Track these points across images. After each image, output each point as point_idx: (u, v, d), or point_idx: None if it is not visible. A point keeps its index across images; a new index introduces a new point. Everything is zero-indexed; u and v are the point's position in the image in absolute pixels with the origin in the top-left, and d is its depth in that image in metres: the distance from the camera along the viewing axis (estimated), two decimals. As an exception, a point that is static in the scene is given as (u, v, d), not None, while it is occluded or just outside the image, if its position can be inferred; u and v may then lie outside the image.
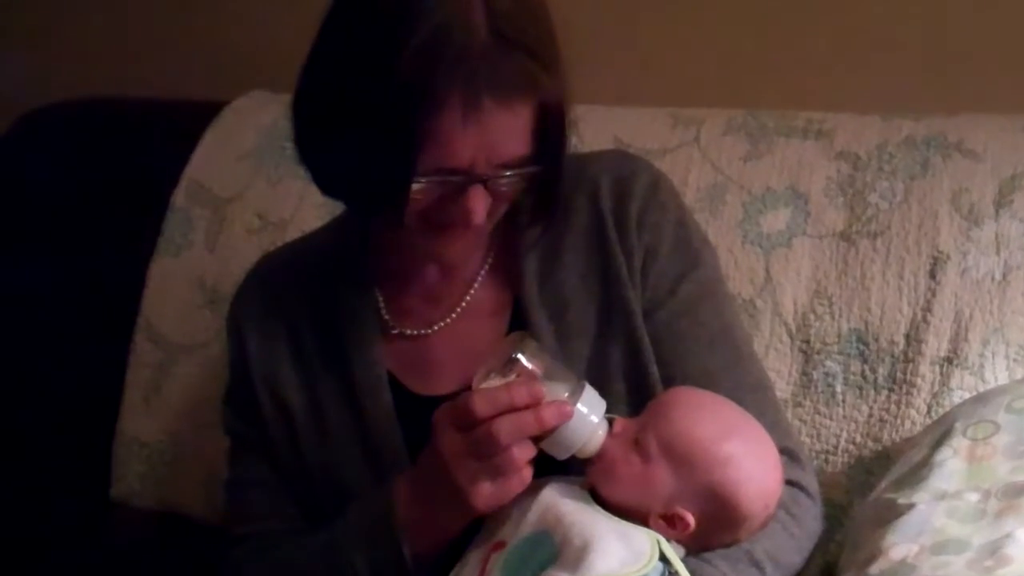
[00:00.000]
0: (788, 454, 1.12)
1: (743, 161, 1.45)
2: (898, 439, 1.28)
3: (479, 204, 1.06)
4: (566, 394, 1.02)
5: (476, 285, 1.20)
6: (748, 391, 1.13)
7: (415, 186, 1.03)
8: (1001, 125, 1.41)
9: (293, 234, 1.52)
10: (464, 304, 1.20)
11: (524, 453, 1.01)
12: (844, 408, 1.32)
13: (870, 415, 1.31)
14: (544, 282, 1.17)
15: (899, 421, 1.29)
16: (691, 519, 1.01)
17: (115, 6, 2.11)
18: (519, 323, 1.17)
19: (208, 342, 1.57)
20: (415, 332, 1.20)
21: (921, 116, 1.45)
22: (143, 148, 1.78)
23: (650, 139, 1.49)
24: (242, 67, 1.95)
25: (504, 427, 0.99)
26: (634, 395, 1.13)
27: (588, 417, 1.02)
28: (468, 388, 1.09)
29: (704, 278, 1.18)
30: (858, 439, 1.31)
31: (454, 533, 1.07)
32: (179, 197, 1.67)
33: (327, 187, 1.13)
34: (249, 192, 1.64)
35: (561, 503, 1.02)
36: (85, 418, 1.64)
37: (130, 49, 2.11)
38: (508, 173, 1.06)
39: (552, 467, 1.06)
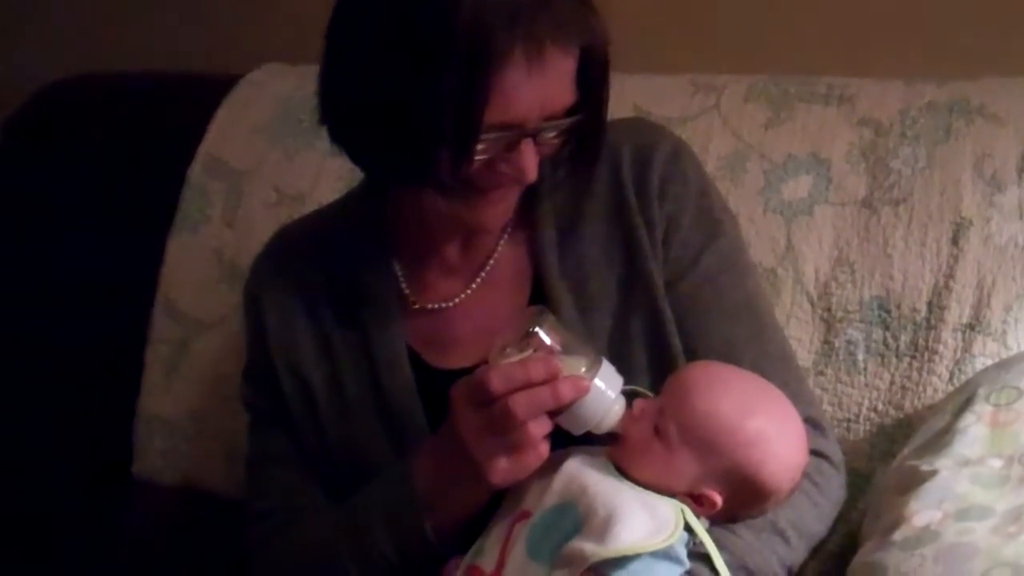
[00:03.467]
0: (811, 423, 1.11)
1: (764, 128, 1.44)
2: (920, 406, 1.28)
3: (532, 159, 1.05)
4: (583, 368, 1.01)
5: (495, 257, 1.19)
6: (770, 361, 1.12)
7: (478, 146, 1.02)
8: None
9: (311, 208, 1.51)
10: (483, 276, 1.19)
11: (540, 428, 1.00)
12: (866, 376, 1.31)
13: (892, 383, 1.30)
14: (564, 253, 1.16)
15: (921, 388, 1.28)
16: (718, 498, 1.01)
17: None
18: (539, 295, 1.16)
19: (227, 317, 1.56)
20: (434, 306, 1.20)
21: (944, 81, 1.43)
22: (159, 122, 1.76)
23: (670, 107, 1.48)
24: (256, 40, 1.96)
25: (520, 403, 0.98)
26: (656, 367, 1.13)
27: (605, 392, 1.01)
28: (487, 362, 1.09)
29: (726, 248, 1.17)
30: (880, 407, 1.30)
31: (474, 507, 1.06)
32: (195, 171, 1.66)
33: (368, 157, 1.12)
34: (266, 165, 1.62)
35: (585, 474, 1.01)
36: (106, 396, 1.64)
37: (144, 22, 2.10)
38: (556, 124, 1.05)
39: (569, 441, 1.05)
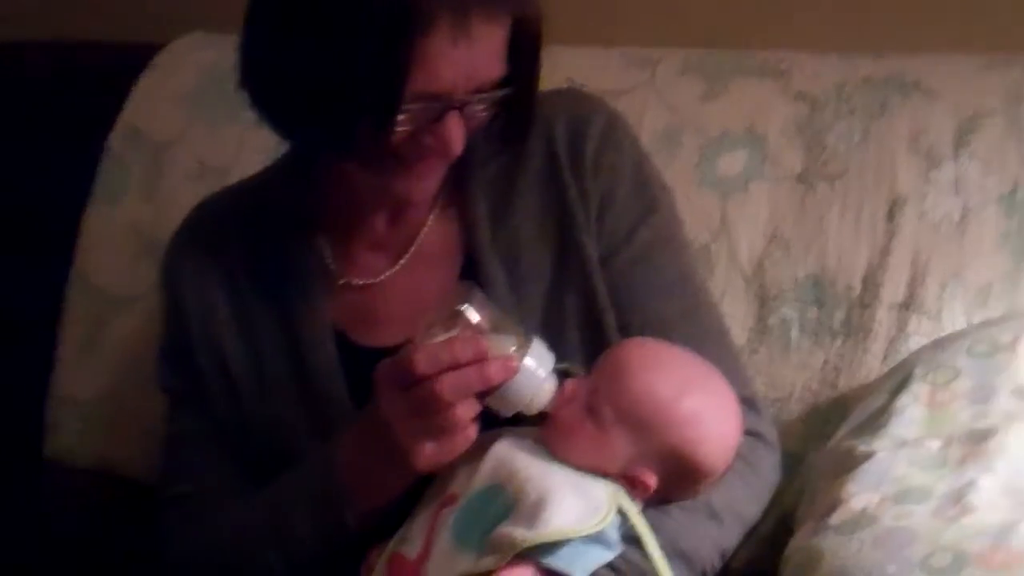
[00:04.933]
0: (746, 402, 1.08)
1: (700, 102, 1.41)
2: (855, 386, 1.26)
3: (458, 132, 1.01)
4: (513, 348, 0.98)
5: (425, 230, 1.15)
6: (705, 339, 1.10)
7: (399, 116, 0.98)
8: (960, 64, 1.38)
9: (234, 180, 1.44)
10: (412, 251, 1.15)
11: (468, 411, 0.97)
12: (800, 355, 1.29)
13: (826, 362, 1.28)
14: (496, 227, 1.13)
15: (855, 368, 1.27)
16: (653, 480, 0.98)
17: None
18: (471, 270, 1.12)
19: (145, 294, 1.50)
20: (361, 282, 1.16)
21: (880, 55, 1.41)
22: (79, 91, 1.71)
23: (604, 80, 1.45)
24: (179, 8, 1.87)
25: (447, 385, 0.95)
26: (589, 343, 1.09)
27: (535, 372, 0.98)
28: (414, 341, 1.05)
29: (661, 223, 1.14)
30: (814, 386, 1.28)
31: (398, 492, 1.03)
32: (115, 142, 1.60)
33: (288, 126, 1.07)
34: (188, 137, 1.57)
35: (515, 456, 0.98)
36: (18, 373, 1.58)
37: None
38: (484, 96, 1.01)
39: (498, 423, 1.02)
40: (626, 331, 1.10)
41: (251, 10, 1.06)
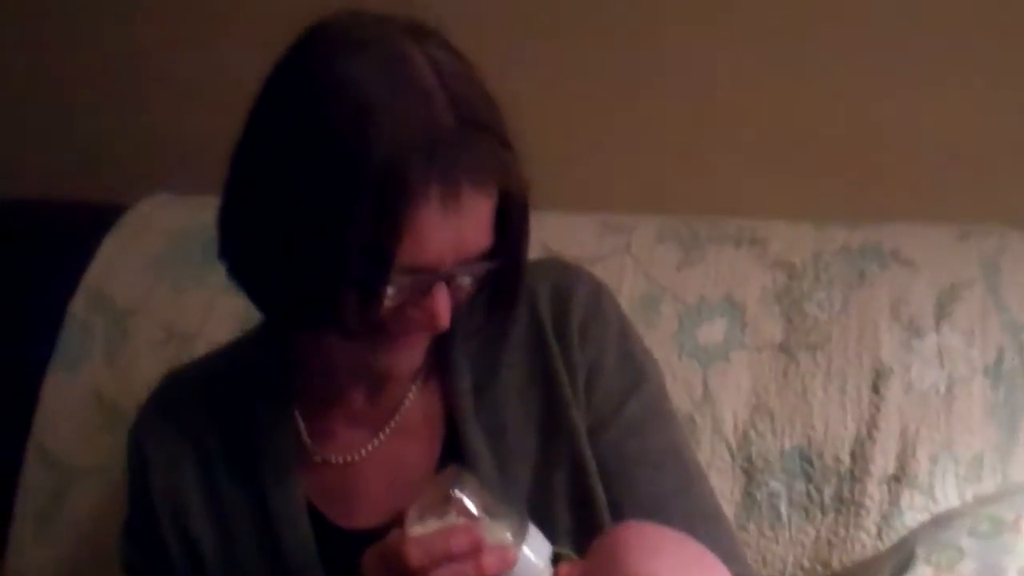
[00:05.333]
0: (743, 588, 1.04)
1: (676, 269, 1.41)
2: (848, 562, 1.24)
3: (445, 305, 0.99)
4: (509, 535, 0.94)
5: (405, 405, 1.11)
6: (700, 519, 1.06)
7: (389, 290, 0.95)
8: (936, 234, 1.39)
9: (201, 347, 1.43)
10: (392, 426, 1.11)
11: None
12: (790, 530, 1.27)
13: (817, 537, 1.26)
14: (481, 401, 1.09)
15: (848, 544, 1.24)
16: None
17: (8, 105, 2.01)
18: (453, 446, 1.09)
19: (107, 465, 1.44)
20: (338, 459, 1.11)
21: (855, 225, 1.42)
22: (40, 253, 1.67)
23: (579, 247, 1.44)
24: (143, 166, 1.89)
25: None
26: (580, 523, 1.05)
27: (533, 563, 0.93)
28: (397, 520, 0.99)
29: (650, 395, 1.11)
30: (806, 563, 1.26)
31: None
32: (77, 306, 1.57)
33: (270, 299, 1.04)
34: (153, 301, 1.54)
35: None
36: None
37: (22, 148, 2.00)
38: (471, 268, 0.99)
39: None
40: (617, 508, 1.06)
41: (231, 177, 1.03)
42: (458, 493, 0.93)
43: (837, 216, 1.45)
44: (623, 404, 1.09)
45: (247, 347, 1.19)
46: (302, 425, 1.12)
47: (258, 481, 1.10)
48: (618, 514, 1.06)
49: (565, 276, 1.14)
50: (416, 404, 1.12)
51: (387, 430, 1.11)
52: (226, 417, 1.14)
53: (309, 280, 0.96)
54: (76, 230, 1.66)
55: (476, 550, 0.90)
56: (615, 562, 0.93)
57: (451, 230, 0.96)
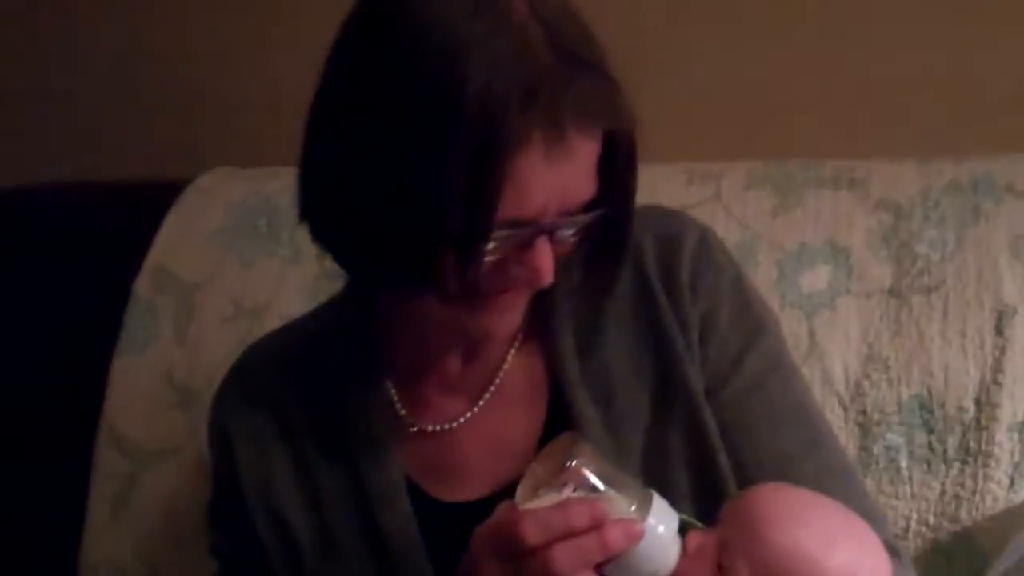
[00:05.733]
0: (887, 549, 0.96)
1: (772, 216, 1.33)
2: (979, 516, 1.16)
3: (548, 260, 0.91)
4: (632, 507, 0.86)
5: (504, 369, 1.04)
6: (833, 476, 0.98)
7: (488, 246, 0.88)
8: (1049, 164, 1.30)
9: (272, 321, 1.39)
10: (491, 392, 1.04)
11: None
12: (912, 486, 1.19)
13: (942, 492, 1.18)
14: (586, 362, 1.02)
15: (978, 497, 1.17)
16: None
17: (58, 89, 1.96)
18: (558, 412, 1.01)
19: (181, 446, 1.42)
20: (435, 428, 1.04)
21: (960, 159, 1.33)
22: (102, 235, 1.63)
23: (666, 197, 1.35)
24: (200, 144, 1.84)
25: (562, 557, 0.82)
26: (700, 490, 0.98)
27: (660, 535, 0.85)
28: (502, 492, 0.94)
29: (770, 348, 1.03)
30: (931, 520, 1.18)
31: None
32: (142, 286, 1.52)
33: (357, 261, 0.97)
34: (220, 277, 1.49)
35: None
36: (47, 543, 1.47)
37: (78, 131, 1.97)
38: (575, 219, 0.91)
39: None
40: (741, 472, 0.98)
41: (312, 127, 0.96)
42: (575, 463, 0.85)
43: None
44: (742, 358, 1.01)
45: (329, 315, 1.12)
46: (394, 394, 1.05)
47: (351, 455, 1.03)
48: (742, 477, 0.98)
49: (669, 224, 1.05)
50: (516, 368, 1.04)
51: (486, 396, 1.04)
52: (312, 389, 1.07)
53: (401, 239, 0.89)
54: (137, 209, 1.62)
55: (598, 524, 0.83)
56: (752, 531, 0.85)
57: (555, 178, 0.88)
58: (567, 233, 0.92)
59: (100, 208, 1.66)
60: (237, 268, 1.49)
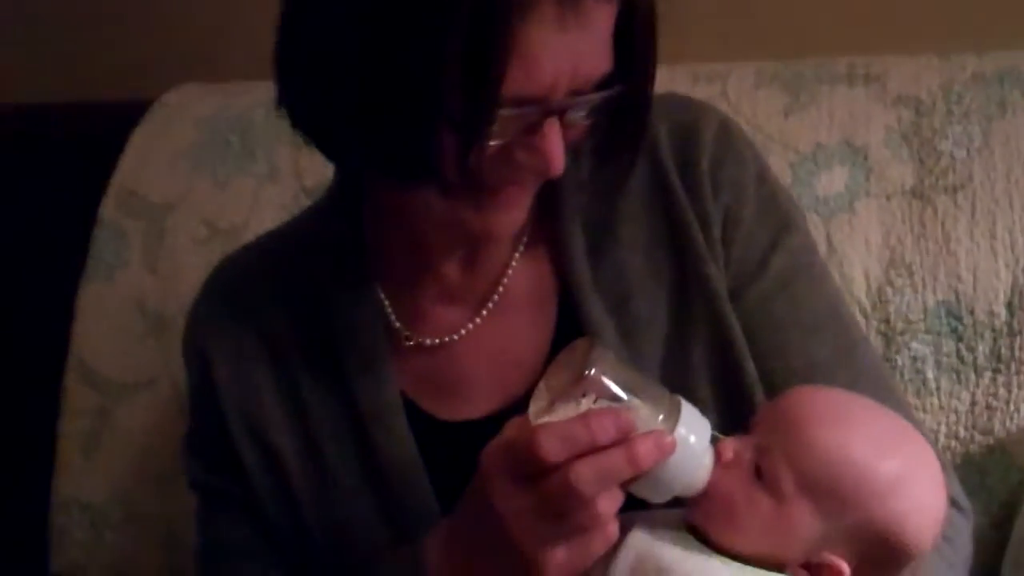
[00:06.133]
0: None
1: (783, 115, 1.26)
2: (1014, 428, 1.10)
3: (559, 144, 0.82)
4: (660, 417, 0.77)
5: (509, 274, 0.95)
6: (867, 384, 0.89)
7: (493, 126, 0.78)
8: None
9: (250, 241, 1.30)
10: (495, 300, 0.95)
11: (611, 504, 0.76)
12: (939, 397, 1.14)
13: (973, 402, 1.13)
14: (598, 264, 0.93)
15: (1012, 407, 1.12)
16: (845, 567, 0.77)
17: (16, 7, 1.87)
18: (569, 319, 0.93)
19: (155, 378, 1.37)
20: (434, 341, 0.96)
21: (983, 53, 1.26)
22: (63, 158, 1.58)
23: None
24: (164, 62, 1.74)
25: (586, 474, 0.74)
26: (724, 401, 0.90)
27: (691, 445, 0.77)
28: (508, 409, 0.86)
29: (798, 246, 0.95)
30: (961, 432, 1.13)
31: None
32: (108, 209, 1.46)
33: (344, 149, 0.88)
34: (191, 197, 1.43)
35: (661, 550, 0.77)
36: (15, 479, 1.43)
37: (38, 52, 1.86)
38: (588, 99, 0.82)
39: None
40: (769, 380, 0.91)
41: (285, 22, 0.86)
42: (594, 371, 0.76)
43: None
44: (768, 257, 0.93)
45: (312, 223, 1.03)
46: (387, 305, 0.97)
47: (342, 373, 0.95)
48: (769, 387, 0.90)
49: (686, 111, 0.96)
50: (521, 273, 0.96)
51: (489, 305, 0.95)
52: (296, 303, 0.98)
53: (395, 120, 0.79)
54: (101, 129, 1.57)
55: (624, 436, 0.74)
56: (795, 433, 0.77)
57: (567, 49, 0.79)
58: (578, 115, 0.83)
59: (62, 130, 1.61)
60: (210, 187, 1.43)
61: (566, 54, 0.79)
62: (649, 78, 0.86)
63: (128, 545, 1.35)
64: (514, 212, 0.88)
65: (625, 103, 0.85)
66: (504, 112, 0.78)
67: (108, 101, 1.62)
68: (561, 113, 0.81)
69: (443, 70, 0.76)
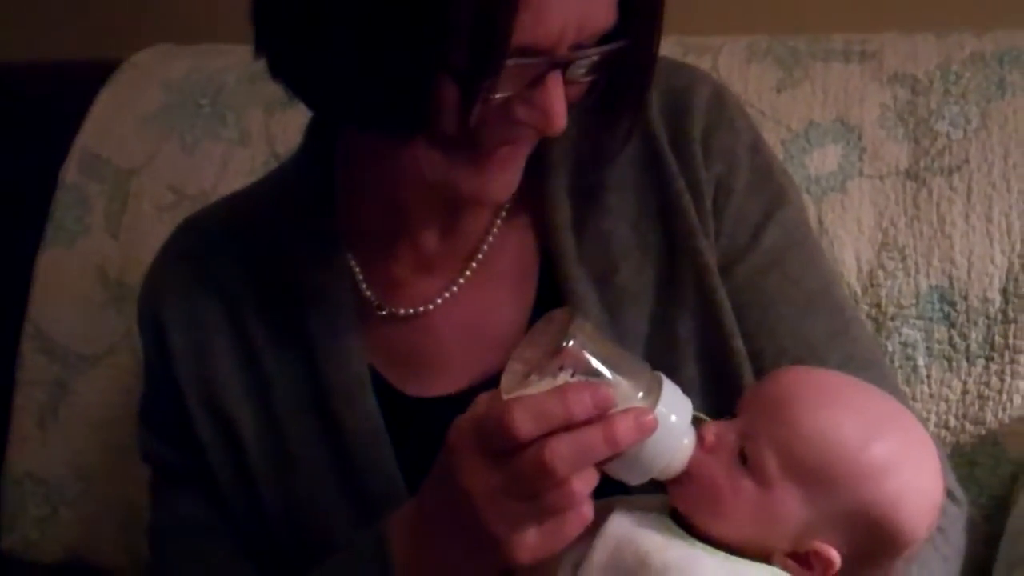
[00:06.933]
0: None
1: (776, 91, 1.21)
2: (1007, 418, 1.06)
3: (561, 100, 0.77)
4: (640, 394, 0.73)
5: (488, 243, 0.91)
6: (861, 366, 0.86)
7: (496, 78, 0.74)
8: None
9: None
10: (473, 269, 0.91)
11: (586, 484, 0.71)
12: (930, 385, 1.10)
13: (964, 391, 1.09)
14: (583, 234, 0.89)
15: (1005, 397, 1.07)
16: (836, 556, 0.73)
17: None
18: (549, 292, 0.89)
19: (115, 349, 1.34)
20: (407, 311, 0.91)
21: (982, 32, 1.22)
22: (26, 119, 1.54)
23: (657, 71, 1.23)
24: (135, 22, 1.74)
25: (561, 452, 0.69)
26: (712, 380, 0.86)
27: (672, 425, 0.73)
28: (481, 386, 0.81)
29: (791, 220, 0.91)
30: (952, 421, 1.09)
31: None
32: (70, 172, 1.42)
33: (333, 100, 0.82)
34: (158, 161, 1.39)
35: (640, 536, 0.73)
36: None
37: (1, 10, 1.83)
38: (592, 52, 0.78)
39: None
40: (758, 359, 0.86)
41: None
42: (572, 343, 0.71)
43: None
44: (760, 231, 0.89)
45: (280, 184, 0.98)
46: (358, 272, 0.92)
47: (307, 344, 0.90)
48: (758, 367, 0.86)
49: (679, 78, 0.92)
50: (502, 241, 0.91)
51: (467, 273, 0.91)
52: (260, 268, 0.93)
53: (393, 68, 0.74)
54: (66, 89, 1.53)
55: (602, 413, 0.70)
56: (781, 416, 0.73)
57: None
58: (580, 71, 0.79)
59: (24, 89, 1.56)
60: (177, 151, 1.40)
61: (574, 3, 0.75)
62: (654, 34, 0.82)
63: (84, 522, 1.32)
64: (508, 174, 0.83)
65: (628, 61, 0.81)
66: (510, 63, 0.74)
67: (75, 60, 1.57)
68: (564, 67, 0.77)
69: (449, 15, 0.71)
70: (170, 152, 1.38)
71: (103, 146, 1.41)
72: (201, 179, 1.35)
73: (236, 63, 1.43)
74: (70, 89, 1.51)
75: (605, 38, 0.78)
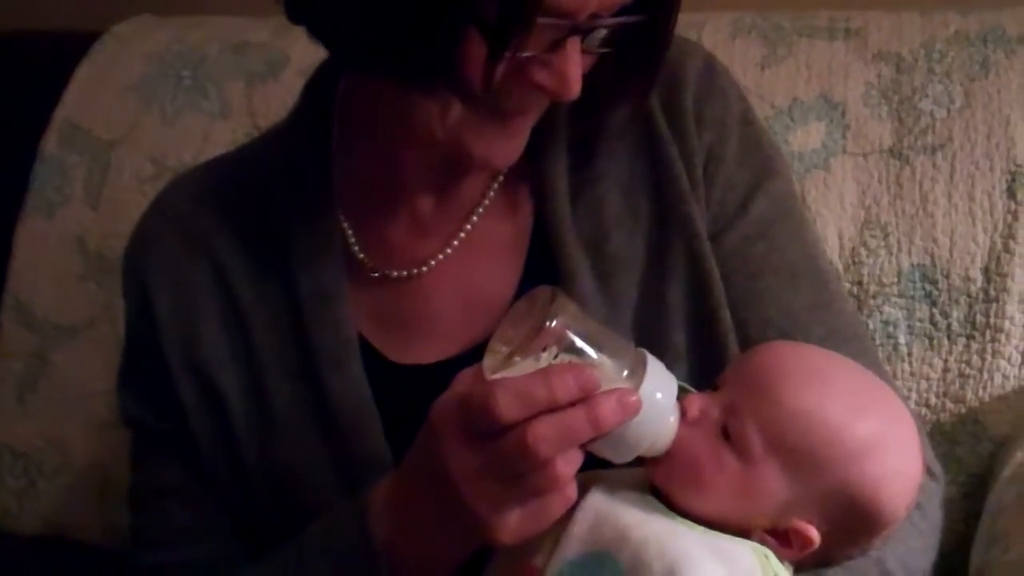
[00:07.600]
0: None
1: (760, 68, 1.21)
2: (988, 397, 1.07)
3: (578, 66, 0.77)
4: (625, 373, 0.73)
5: (485, 203, 0.90)
6: (843, 340, 0.86)
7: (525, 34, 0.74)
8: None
9: None
10: (466, 232, 0.90)
11: (570, 465, 0.71)
12: (911, 363, 1.10)
13: (945, 369, 1.09)
14: (576, 200, 0.89)
15: (986, 376, 1.08)
16: (815, 534, 0.73)
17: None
18: (542, 257, 0.88)
19: (95, 321, 1.33)
20: (399, 273, 0.90)
21: (967, 11, 1.21)
22: (6, 88, 1.51)
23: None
24: None
25: (544, 434, 0.69)
26: (698, 348, 0.86)
27: (657, 404, 0.73)
28: (470, 353, 0.82)
29: (779, 192, 0.91)
30: (933, 400, 1.09)
31: (456, 566, 0.78)
32: (50, 143, 1.41)
33: (357, 47, 0.81)
34: (138, 132, 1.38)
35: (620, 512, 0.73)
36: None
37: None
38: (610, 22, 0.78)
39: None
40: (743, 330, 0.87)
41: None
42: (556, 322, 0.71)
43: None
44: (748, 201, 0.89)
45: (275, 143, 0.97)
46: (351, 234, 0.91)
47: (294, 307, 0.89)
48: (743, 337, 0.87)
49: (672, 48, 0.91)
50: (497, 206, 0.91)
51: (461, 235, 0.90)
52: (248, 230, 0.92)
53: (424, 19, 0.74)
54: (48, 60, 1.52)
55: (586, 394, 0.70)
56: (765, 391, 0.73)
57: None
58: (595, 40, 0.79)
59: (4, 59, 1.54)
60: (158, 123, 1.39)
61: None
62: (673, 12, 0.82)
63: (63, 495, 1.32)
64: (517, 140, 0.84)
65: (643, 37, 0.81)
66: (541, 20, 0.73)
67: (56, 31, 1.56)
68: (585, 34, 0.77)
69: None
70: (151, 124, 1.37)
71: (84, 117, 1.41)
72: (181, 151, 1.34)
73: (218, 35, 1.43)
74: (51, 60, 1.50)
75: (624, 11, 0.78)
